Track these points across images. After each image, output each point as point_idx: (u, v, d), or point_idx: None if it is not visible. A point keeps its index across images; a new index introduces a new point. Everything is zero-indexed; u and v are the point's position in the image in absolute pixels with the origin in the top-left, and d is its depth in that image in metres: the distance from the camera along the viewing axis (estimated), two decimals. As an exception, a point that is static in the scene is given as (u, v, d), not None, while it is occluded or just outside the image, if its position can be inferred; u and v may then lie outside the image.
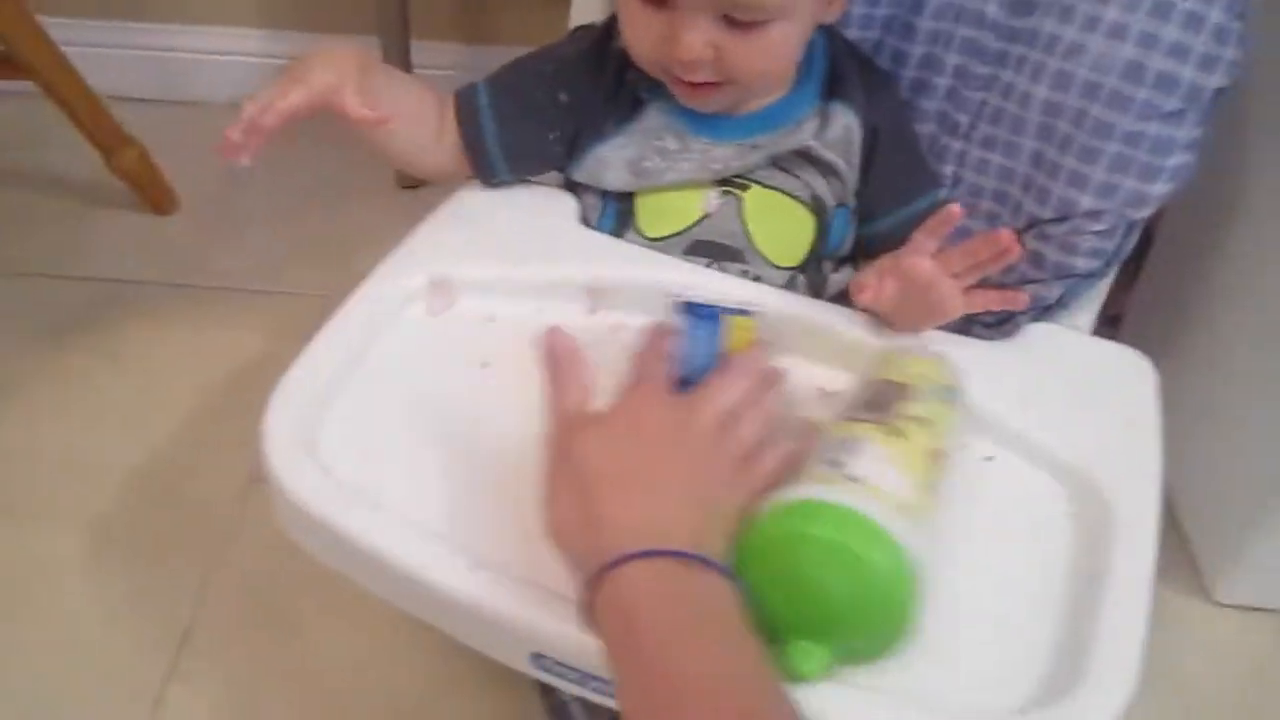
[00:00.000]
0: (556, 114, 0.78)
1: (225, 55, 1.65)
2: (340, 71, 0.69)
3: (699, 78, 0.71)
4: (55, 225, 1.45)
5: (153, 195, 1.45)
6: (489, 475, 0.62)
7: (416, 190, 1.51)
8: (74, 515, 1.08)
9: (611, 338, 0.70)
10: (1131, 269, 1.22)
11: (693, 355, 0.65)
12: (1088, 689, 0.52)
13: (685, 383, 0.64)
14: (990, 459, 0.65)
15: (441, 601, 0.56)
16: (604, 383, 0.63)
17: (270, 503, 0.61)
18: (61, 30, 1.32)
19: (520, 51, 0.80)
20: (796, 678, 0.50)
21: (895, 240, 0.72)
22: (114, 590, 1.02)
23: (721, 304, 0.68)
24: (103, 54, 1.49)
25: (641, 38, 0.72)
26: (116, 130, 1.39)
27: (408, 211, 0.76)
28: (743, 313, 0.67)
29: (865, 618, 0.51)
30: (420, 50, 1.46)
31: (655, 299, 0.70)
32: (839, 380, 0.69)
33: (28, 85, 1.31)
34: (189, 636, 0.98)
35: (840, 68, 0.78)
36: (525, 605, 0.54)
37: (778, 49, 0.71)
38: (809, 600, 0.51)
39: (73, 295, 1.34)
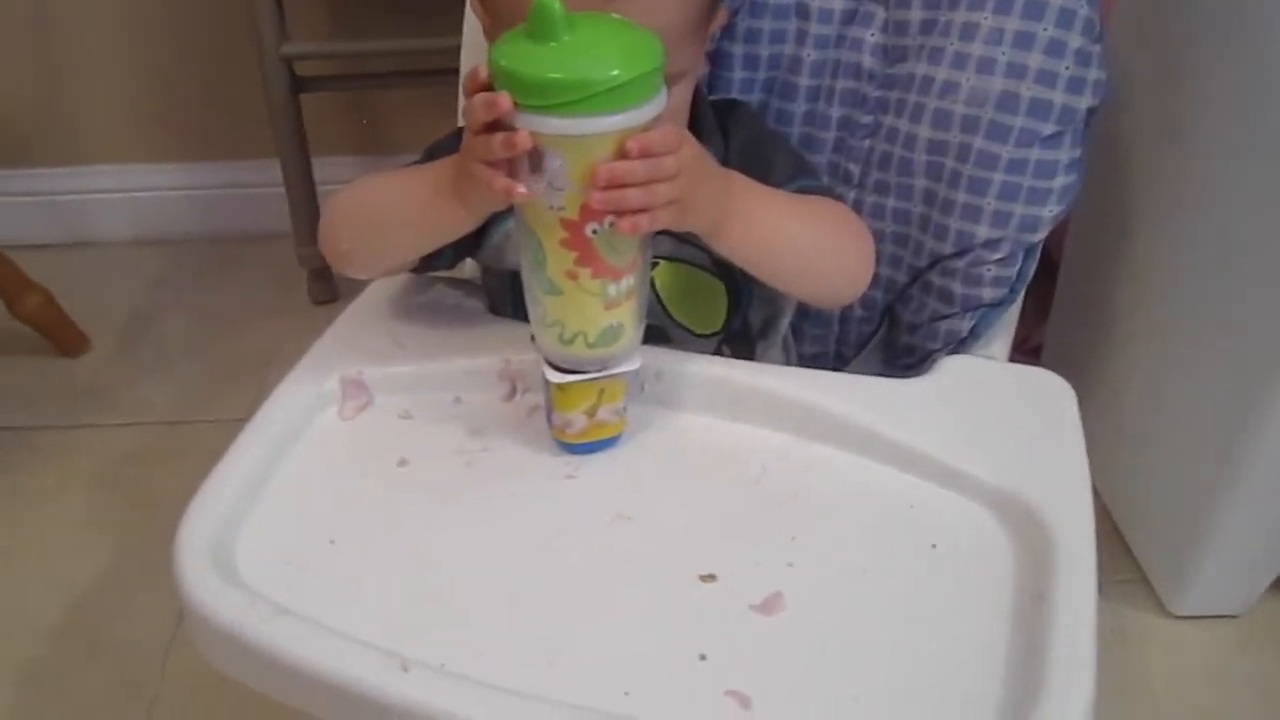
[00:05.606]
0: None
1: (122, 193, 1.65)
2: None
3: None
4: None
5: (60, 338, 1.43)
6: (414, 573, 0.59)
7: (333, 304, 1.50)
8: (3, 668, 1.04)
9: (530, 420, 0.69)
10: (1044, 298, 1.25)
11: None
12: (1045, 712, 0.51)
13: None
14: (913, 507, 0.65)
15: (378, 707, 0.53)
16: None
17: (191, 633, 0.58)
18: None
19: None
20: None
21: None
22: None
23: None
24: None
25: None
26: (18, 277, 1.37)
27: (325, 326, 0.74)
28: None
29: None
30: (321, 166, 1.46)
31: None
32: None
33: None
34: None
35: (696, 116, 0.74)
36: (462, 701, 0.52)
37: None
38: None
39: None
